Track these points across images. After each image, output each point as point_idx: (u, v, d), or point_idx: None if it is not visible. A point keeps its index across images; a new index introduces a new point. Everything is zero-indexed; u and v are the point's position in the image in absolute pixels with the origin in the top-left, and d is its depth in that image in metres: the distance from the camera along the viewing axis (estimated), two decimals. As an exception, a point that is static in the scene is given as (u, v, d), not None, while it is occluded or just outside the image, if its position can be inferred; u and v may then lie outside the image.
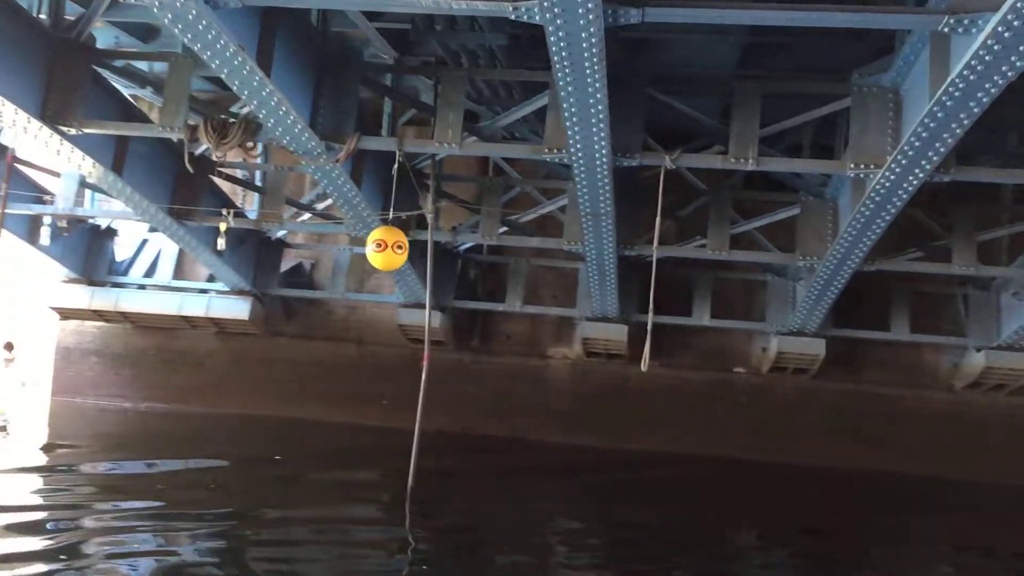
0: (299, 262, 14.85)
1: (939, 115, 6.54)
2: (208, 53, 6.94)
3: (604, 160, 8.22)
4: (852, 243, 9.61)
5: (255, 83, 7.40)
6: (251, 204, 13.41)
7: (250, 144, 8.89)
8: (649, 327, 8.56)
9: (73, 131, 8.74)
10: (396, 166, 8.83)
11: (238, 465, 12.25)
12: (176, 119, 8.79)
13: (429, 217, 9.69)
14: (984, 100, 6.22)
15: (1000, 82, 5.92)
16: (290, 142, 8.61)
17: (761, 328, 13.21)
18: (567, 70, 6.53)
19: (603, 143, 7.87)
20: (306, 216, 12.63)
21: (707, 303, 13.26)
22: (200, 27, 6.55)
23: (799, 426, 13.61)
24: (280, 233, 13.80)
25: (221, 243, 10.52)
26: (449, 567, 8.47)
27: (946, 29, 5.67)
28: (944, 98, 6.26)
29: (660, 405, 13.91)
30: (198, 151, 9.94)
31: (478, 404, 14.32)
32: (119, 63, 9.64)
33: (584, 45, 6.11)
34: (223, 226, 10.34)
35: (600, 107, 7.18)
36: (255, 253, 13.76)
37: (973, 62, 5.69)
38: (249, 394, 14.69)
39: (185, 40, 6.82)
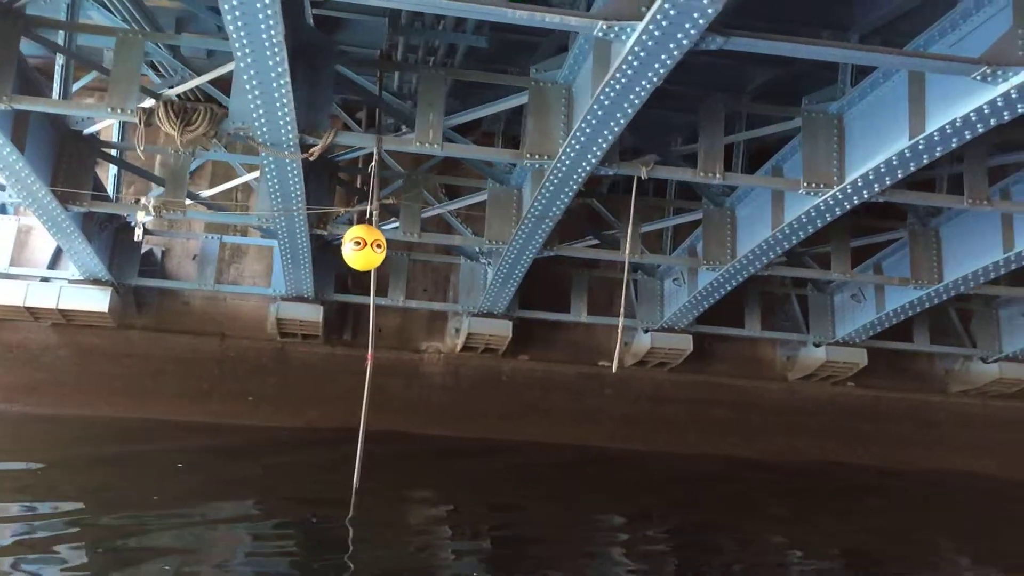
0: (149, 249, 13.77)
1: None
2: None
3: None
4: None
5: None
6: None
7: (213, 133, 8.25)
8: (620, 330, 9.01)
9: (2, 106, 7.74)
10: (374, 163, 8.63)
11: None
12: (127, 101, 8.02)
13: (375, 214, 9.50)
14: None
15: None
16: (266, 132, 8.15)
17: (630, 324, 14.06)
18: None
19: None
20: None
21: (584, 300, 13.93)
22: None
23: (660, 416, 14.62)
24: (146, 219, 12.74)
25: (139, 233, 9.64)
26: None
27: (600, 34, 6.07)
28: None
29: (532, 397, 14.41)
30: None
31: (350, 399, 14.04)
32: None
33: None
34: (141, 214, 9.49)
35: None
36: (111, 240, 12.65)
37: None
38: (96, 393, 13.46)
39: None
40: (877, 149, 8.09)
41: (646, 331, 13.93)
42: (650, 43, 6.01)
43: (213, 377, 13.79)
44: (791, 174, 9.37)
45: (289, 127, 8.06)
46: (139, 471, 11.70)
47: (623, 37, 6.07)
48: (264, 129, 8.15)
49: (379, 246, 8.28)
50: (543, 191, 9.02)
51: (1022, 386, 14.60)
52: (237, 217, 11.46)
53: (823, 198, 8.87)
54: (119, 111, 8.03)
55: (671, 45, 6.03)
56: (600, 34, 6.07)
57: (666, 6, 5.56)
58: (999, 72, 6.25)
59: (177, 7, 9.52)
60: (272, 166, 8.94)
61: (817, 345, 14.21)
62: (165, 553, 8.68)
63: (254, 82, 7.28)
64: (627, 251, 10.40)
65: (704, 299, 12.47)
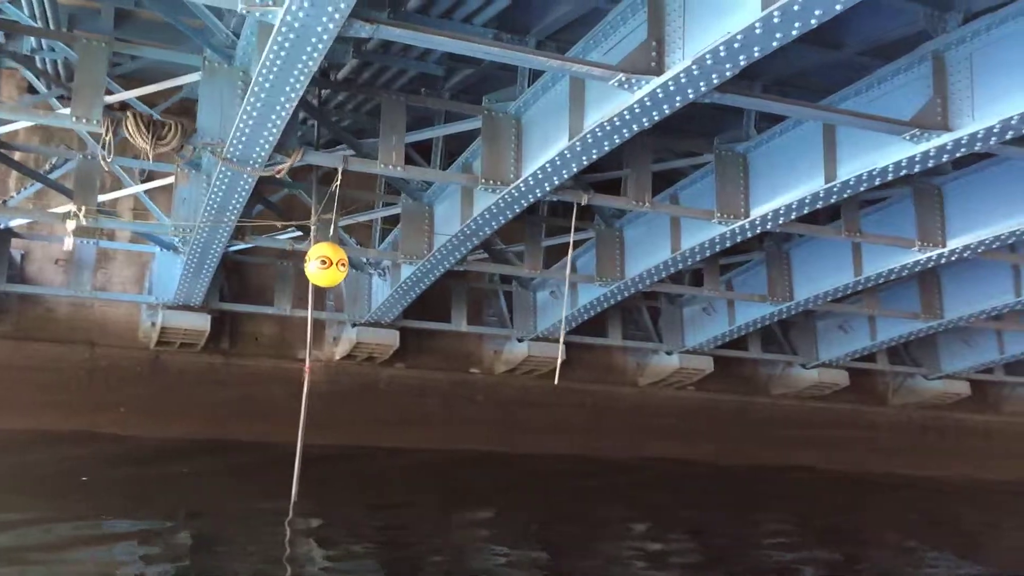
0: (7, 252, 12.91)
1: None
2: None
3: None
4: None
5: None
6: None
7: (181, 147, 8.16)
8: (561, 342, 9.76)
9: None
10: (337, 182, 8.85)
11: None
12: (92, 111, 7.81)
13: (313, 228, 9.68)
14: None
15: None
16: (240, 150, 8.18)
17: (506, 333, 14.84)
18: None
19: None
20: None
21: (463, 310, 14.54)
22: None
23: (527, 419, 15.48)
24: (13, 222, 12.01)
25: (68, 242, 9.23)
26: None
27: (245, 12, 6.18)
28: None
29: (410, 404, 14.82)
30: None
31: (229, 408, 13.89)
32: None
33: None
34: (71, 224, 9.11)
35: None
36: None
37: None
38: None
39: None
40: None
41: (520, 340, 14.76)
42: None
43: (83, 387, 13.14)
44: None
45: (268, 147, 8.17)
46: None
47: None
48: (240, 148, 8.20)
49: (343, 265, 8.58)
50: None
51: (835, 389, 16.72)
52: (152, 226, 11.10)
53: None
54: (84, 120, 7.79)
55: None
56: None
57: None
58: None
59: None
60: (224, 180, 8.92)
61: (669, 353, 15.65)
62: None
63: (253, 113, 7.45)
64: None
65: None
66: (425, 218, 11.31)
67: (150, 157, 8.06)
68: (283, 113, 7.49)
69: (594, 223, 12.42)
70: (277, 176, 8.68)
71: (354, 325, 13.88)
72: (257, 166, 8.56)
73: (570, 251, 10.49)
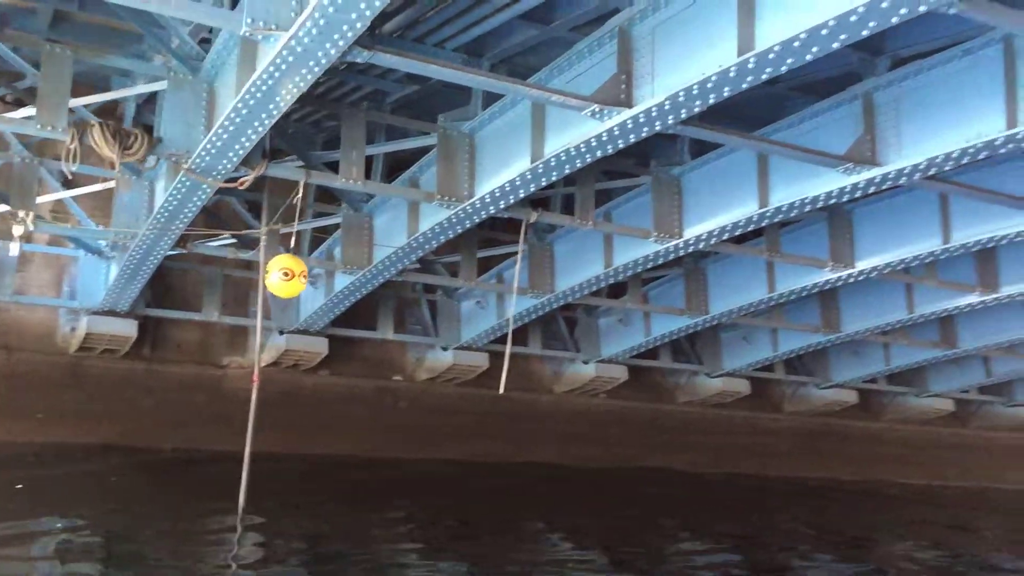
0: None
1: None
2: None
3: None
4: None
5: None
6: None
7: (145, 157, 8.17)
8: (507, 355, 10.13)
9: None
10: (299, 195, 8.98)
11: None
12: (58, 118, 7.76)
13: (263, 239, 9.77)
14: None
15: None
16: (206, 162, 8.24)
17: (430, 341, 15.13)
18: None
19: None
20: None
21: (390, 318, 14.78)
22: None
23: (450, 426, 15.78)
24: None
25: (16, 248, 9.03)
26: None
27: (248, 35, 6.29)
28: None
29: (335, 410, 14.91)
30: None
31: (151, 415, 13.68)
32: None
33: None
34: (19, 229, 8.92)
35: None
36: None
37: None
38: None
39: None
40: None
41: (445, 348, 15.07)
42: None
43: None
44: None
45: (236, 160, 8.30)
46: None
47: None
48: (207, 160, 8.29)
49: (304, 277, 8.79)
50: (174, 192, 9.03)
51: (737, 397, 17.66)
52: (96, 232, 10.90)
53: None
54: (50, 128, 7.73)
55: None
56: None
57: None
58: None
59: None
60: (182, 189, 8.94)
61: (586, 363, 16.23)
62: None
63: (230, 128, 7.61)
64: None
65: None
66: (365, 229, 11.49)
67: (116, 167, 8.02)
68: (260, 129, 7.66)
69: (527, 238, 12.84)
70: (239, 187, 8.77)
71: (282, 333, 13.89)
72: (219, 177, 8.65)
73: (518, 266, 10.91)
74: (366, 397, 15.27)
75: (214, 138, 7.89)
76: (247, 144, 7.99)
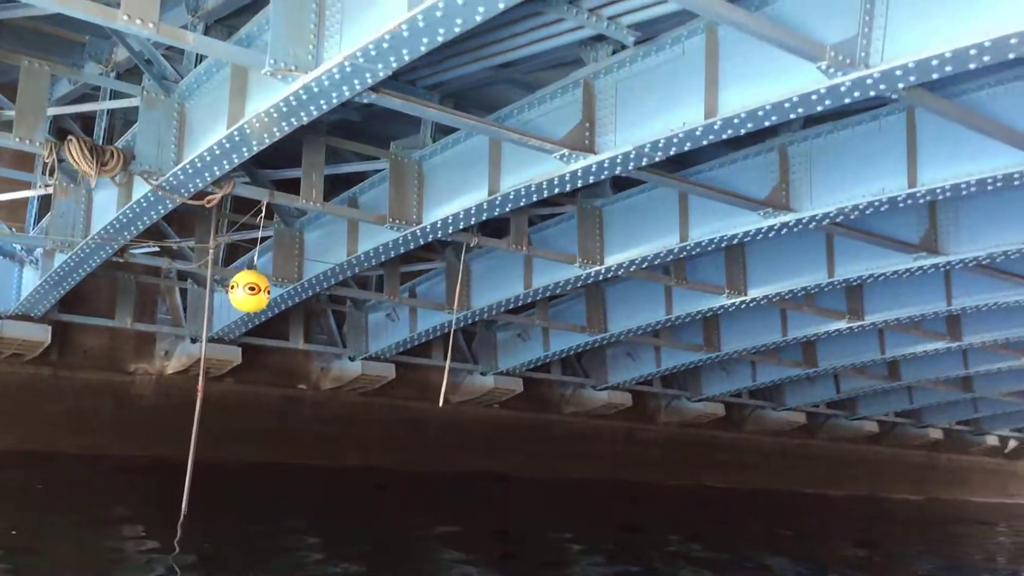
0: None
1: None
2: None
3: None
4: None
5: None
6: None
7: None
8: (447, 369, 10.73)
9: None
10: (262, 214, 9.30)
11: None
12: (35, 132, 7.88)
13: (211, 252, 10.01)
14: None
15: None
16: (179, 180, 8.50)
17: (338, 351, 15.53)
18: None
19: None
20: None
21: (301, 327, 15.07)
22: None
23: (352, 435, 16.17)
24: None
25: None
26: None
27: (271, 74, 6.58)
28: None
29: (241, 419, 15.00)
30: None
31: (57, 420, 13.45)
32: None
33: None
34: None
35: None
36: None
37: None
38: None
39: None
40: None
41: (352, 359, 15.48)
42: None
43: None
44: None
45: (208, 181, 8.60)
46: None
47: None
48: (181, 178, 8.55)
49: (268, 292, 9.13)
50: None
51: (621, 408, 18.80)
52: (27, 238, 10.75)
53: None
54: (28, 142, 7.82)
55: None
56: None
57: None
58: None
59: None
60: (144, 204, 9.13)
61: (484, 374, 16.96)
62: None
63: (216, 151, 7.99)
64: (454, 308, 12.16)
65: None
66: (296, 243, 11.78)
67: (94, 182, 8.13)
68: (245, 157, 8.02)
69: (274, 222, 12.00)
70: (206, 205, 9.05)
71: (194, 341, 13.94)
72: (187, 194, 8.90)
73: (458, 284, 11.51)
74: (271, 405, 15.47)
75: (197, 161, 8.17)
76: (227, 168, 8.31)
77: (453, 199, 9.65)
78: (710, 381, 19.96)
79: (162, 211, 9.36)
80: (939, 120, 7.95)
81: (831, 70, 6.13)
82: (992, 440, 30.55)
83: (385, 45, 6.10)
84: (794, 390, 21.39)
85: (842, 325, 14.57)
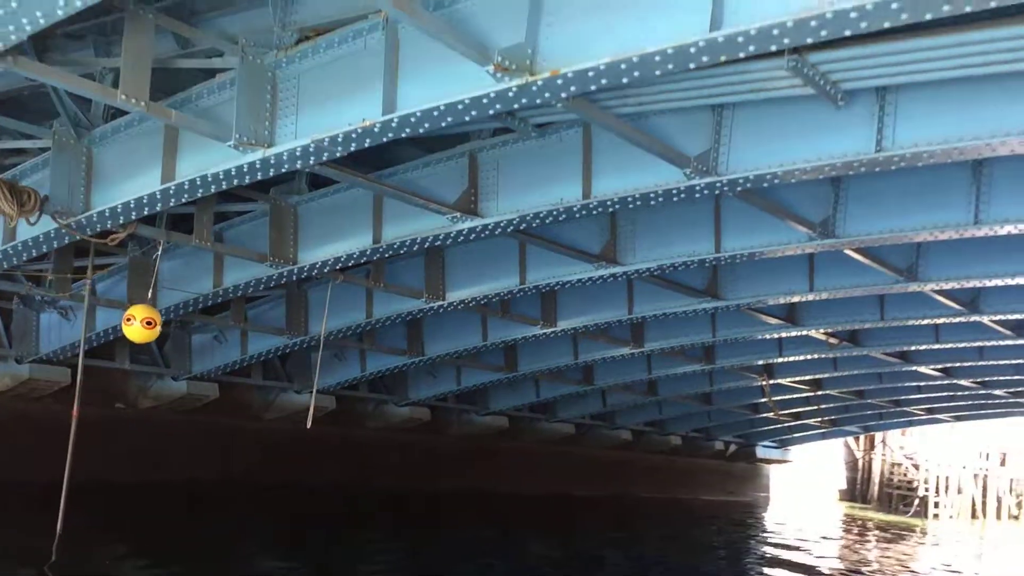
0: None
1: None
2: None
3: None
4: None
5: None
6: None
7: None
8: (314, 391, 11.63)
9: None
10: (158, 253, 10.58)
11: None
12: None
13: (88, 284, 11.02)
14: None
15: None
16: (92, 222, 9.20)
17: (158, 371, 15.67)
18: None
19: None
20: None
21: (127, 348, 14.91)
22: None
23: (168, 450, 16.18)
24: None
25: None
26: None
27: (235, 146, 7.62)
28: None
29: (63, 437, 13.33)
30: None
31: None
32: None
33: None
34: None
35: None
36: None
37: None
38: None
39: None
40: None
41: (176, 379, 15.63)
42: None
43: None
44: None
45: (120, 222, 9.25)
46: None
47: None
48: (93, 219, 9.16)
49: (160, 325, 9.94)
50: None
51: (324, 412, 18.32)
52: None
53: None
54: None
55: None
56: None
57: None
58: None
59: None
60: (43, 240, 9.65)
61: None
62: None
63: (144, 202, 8.81)
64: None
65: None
66: (151, 272, 11.10)
67: (14, 222, 9.03)
68: (168, 206, 8.84)
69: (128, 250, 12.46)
70: (109, 243, 9.90)
71: (19, 361, 13.81)
72: (91, 233, 9.43)
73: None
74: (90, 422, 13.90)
75: (119, 208, 8.91)
76: (145, 213, 8.97)
77: (336, 242, 10.68)
78: (416, 386, 20.09)
79: (54, 245, 9.83)
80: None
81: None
82: (719, 445, 34.19)
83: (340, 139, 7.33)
84: (496, 395, 22.03)
85: (537, 331, 15.15)
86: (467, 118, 6.96)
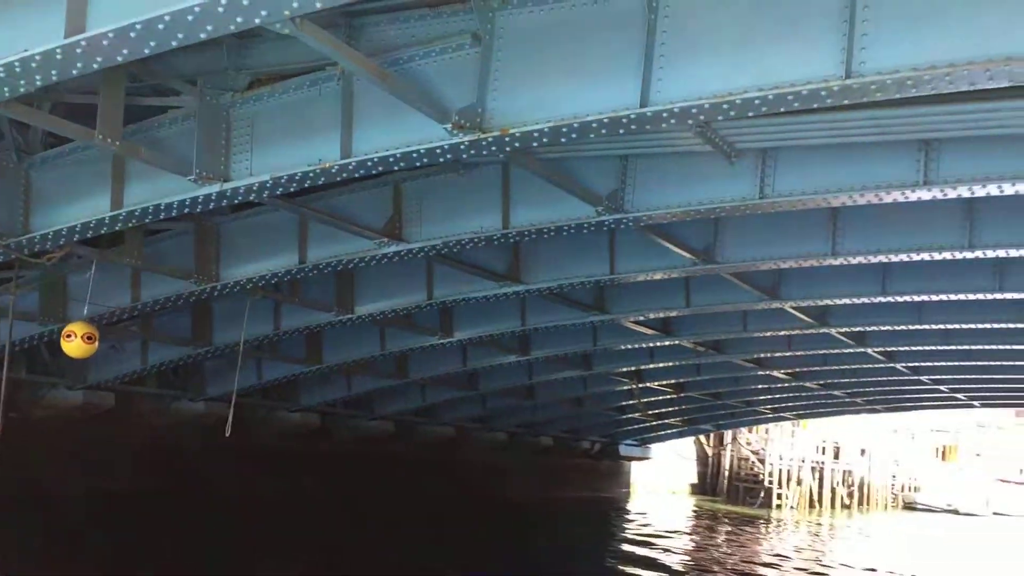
0: None
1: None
2: None
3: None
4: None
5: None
6: None
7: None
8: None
9: None
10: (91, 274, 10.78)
11: None
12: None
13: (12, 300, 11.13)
14: None
15: None
16: (33, 245, 9.54)
17: None
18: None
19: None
20: None
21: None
22: None
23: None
24: None
25: None
26: None
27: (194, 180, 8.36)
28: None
29: None
30: None
31: None
32: None
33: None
34: None
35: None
36: None
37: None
38: None
39: None
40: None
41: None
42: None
43: None
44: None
45: (59, 244, 9.70)
46: None
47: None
48: (35, 240, 9.50)
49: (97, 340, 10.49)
50: None
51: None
52: None
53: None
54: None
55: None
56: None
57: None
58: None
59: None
60: None
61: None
62: None
63: (90, 227, 9.21)
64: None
65: None
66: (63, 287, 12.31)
67: None
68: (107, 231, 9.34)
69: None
70: (47, 262, 10.27)
71: None
72: (27, 253, 9.75)
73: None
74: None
75: (66, 231, 9.31)
76: (88, 236, 9.35)
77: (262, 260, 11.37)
78: (308, 392, 20.59)
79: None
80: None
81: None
82: (586, 444, 36.06)
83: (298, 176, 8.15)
84: (382, 400, 22.75)
85: (435, 341, 16.06)
86: (418, 164, 7.87)
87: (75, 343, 10.08)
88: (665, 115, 6.66)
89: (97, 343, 10.35)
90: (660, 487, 46.78)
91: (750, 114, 6.63)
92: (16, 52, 6.13)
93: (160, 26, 5.72)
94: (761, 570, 25.30)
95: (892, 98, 6.41)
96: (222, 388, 18.13)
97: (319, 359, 17.10)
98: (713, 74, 6.39)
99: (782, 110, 6.56)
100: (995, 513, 65.85)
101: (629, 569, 22.51)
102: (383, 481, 24.38)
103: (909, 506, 63.79)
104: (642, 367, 21.60)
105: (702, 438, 49.34)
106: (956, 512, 63.35)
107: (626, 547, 25.89)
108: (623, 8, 6.75)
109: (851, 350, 18.69)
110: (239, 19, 5.65)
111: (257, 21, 5.68)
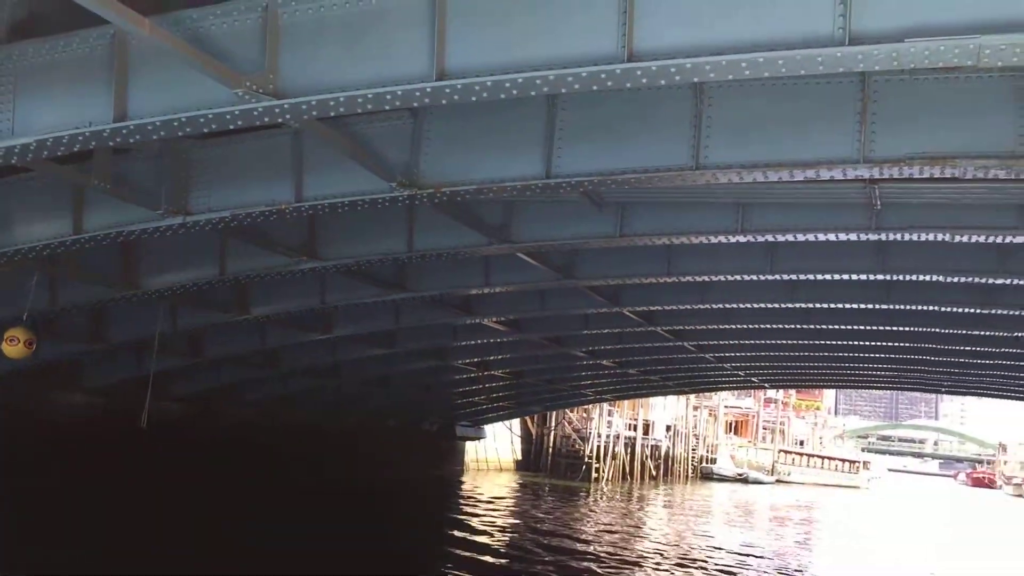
0: None
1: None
2: None
3: None
4: None
5: None
6: None
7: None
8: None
9: None
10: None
11: None
12: None
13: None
14: None
15: None
16: None
17: None
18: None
19: None
20: None
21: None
22: None
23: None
24: None
25: None
26: None
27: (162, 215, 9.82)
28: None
29: None
30: None
31: None
32: None
33: None
34: None
35: None
36: None
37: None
38: None
39: None
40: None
41: None
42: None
43: None
44: None
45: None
46: None
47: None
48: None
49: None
50: None
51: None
52: None
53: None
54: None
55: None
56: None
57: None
58: None
59: None
60: None
61: None
62: None
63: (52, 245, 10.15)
64: None
65: None
66: None
67: None
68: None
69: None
70: None
71: None
72: None
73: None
74: None
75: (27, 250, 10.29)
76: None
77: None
78: (94, 372, 19.47)
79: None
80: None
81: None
82: (427, 426, 37.86)
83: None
84: (177, 381, 21.78)
85: (229, 318, 15.53)
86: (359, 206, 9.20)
87: (18, 347, 11.52)
88: (564, 186, 8.60)
89: (35, 346, 11.85)
90: (489, 464, 48.56)
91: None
92: None
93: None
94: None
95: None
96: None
97: (104, 338, 16.17)
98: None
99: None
100: (778, 480, 72.50)
101: (459, 533, 23.20)
102: (175, 466, 23.38)
103: (707, 476, 68.05)
104: (448, 346, 21.74)
105: (527, 419, 51.31)
106: (745, 480, 68.62)
107: (461, 516, 26.90)
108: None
109: (641, 328, 19.58)
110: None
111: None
